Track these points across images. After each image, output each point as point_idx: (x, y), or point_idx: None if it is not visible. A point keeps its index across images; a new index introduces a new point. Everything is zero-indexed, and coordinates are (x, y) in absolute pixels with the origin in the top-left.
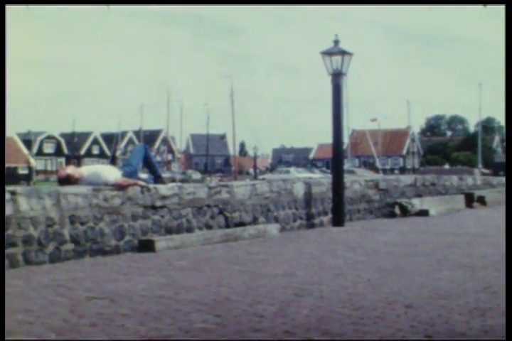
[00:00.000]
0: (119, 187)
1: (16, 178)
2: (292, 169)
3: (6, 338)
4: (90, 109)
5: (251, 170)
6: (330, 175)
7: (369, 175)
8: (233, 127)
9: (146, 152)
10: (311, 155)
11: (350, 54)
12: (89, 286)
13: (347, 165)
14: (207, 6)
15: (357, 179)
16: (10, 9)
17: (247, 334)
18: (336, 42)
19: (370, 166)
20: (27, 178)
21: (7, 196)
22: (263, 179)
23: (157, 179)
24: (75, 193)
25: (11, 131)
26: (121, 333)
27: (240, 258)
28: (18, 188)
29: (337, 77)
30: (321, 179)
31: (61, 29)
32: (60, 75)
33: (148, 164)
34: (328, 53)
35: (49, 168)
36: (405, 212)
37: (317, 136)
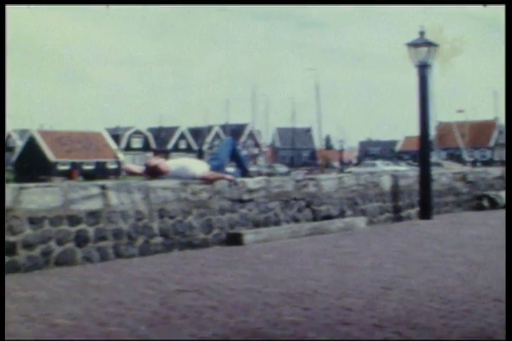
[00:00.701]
0: (207, 180)
1: (105, 173)
2: (378, 162)
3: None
4: (177, 104)
5: (335, 164)
6: (416, 168)
7: (456, 167)
8: (319, 120)
9: (233, 146)
10: (397, 148)
11: (435, 45)
12: (179, 279)
13: (434, 158)
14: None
15: (444, 171)
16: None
17: (336, 328)
18: (422, 33)
19: (457, 158)
20: (116, 173)
21: (97, 190)
22: (349, 172)
23: (244, 173)
24: (163, 187)
25: (99, 127)
26: (210, 325)
27: (328, 252)
28: (107, 182)
29: (423, 68)
30: (408, 172)
31: (146, 27)
32: (147, 71)
33: (235, 158)
34: (413, 45)
35: (137, 163)
36: (494, 204)
37: (403, 128)
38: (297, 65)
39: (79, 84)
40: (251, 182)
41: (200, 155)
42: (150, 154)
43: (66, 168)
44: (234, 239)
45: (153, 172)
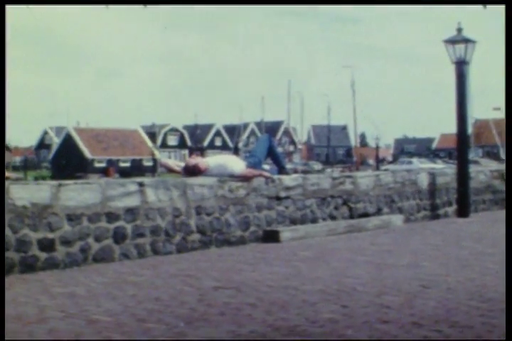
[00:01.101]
0: (245, 178)
1: (142, 170)
2: (415, 159)
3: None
4: (212, 101)
5: (370, 161)
6: (453, 166)
7: (493, 165)
8: (354, 118)
9: (270, 143)
10: (434, 146)
11: (473, 42)
12: (216, 276)
13: (471, 156)
14: None
15: (482, 169)
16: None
17: (375, 325)
18: (459, 30)
19: (494, 156)
20: (152, 170)
21: (135, 187)
22: (385, 170)
23: (281, 170)
24: (200, 184)
25: (135, 124)
26: (248, 322)
27: (365, 249)
28: (145, 180)
29: (460, 65)
30: (445, 169)
31: (181, 23)
32: (182, 68)
33: (272, 155)
34: (451, 41)
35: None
36: None
37: (439, 125)
38: (332, 62)
39: (114, 81)
40: (288, 180)
41: (235, 152)
42: (186, 151)
43: (102, 165)
44: (271, 237)
45: (193, 172)
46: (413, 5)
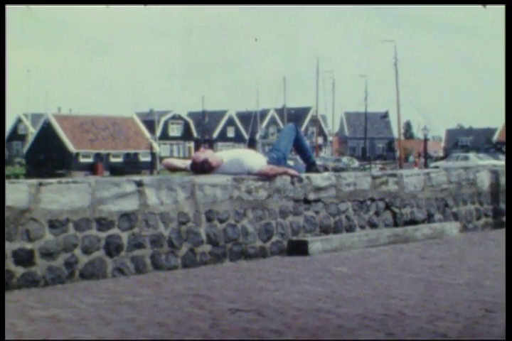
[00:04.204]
0: (265, 176)
1: (137, 167)
2: (472, 155)
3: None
4: (223, 84)
5: (411, 158)
6: None
7: None
8: (397, 103)
9: (297, 134)
10: (495, 138)
11: None
12: (232, 296)
13: None
14: None
15: None
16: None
17: None
18: None
19: None
20: (150, 167)
21: (132, 188)
22: (435, 167)
23: (310, 167)
24: (212, 184)
25: (129, 111)
26: None
27: (413, 264)
28: (145, 178)
29: None
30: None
31: None
32: (188, 44)
33: (299, 149)
34: None
35: (175, 155)
36: None
37: (502, 113)
38: (370, 36)
39: (104, 58)
40: (318, 179)
41: (251, 144)
42: (191, 144)
43: (89, 160)
44: (297, 248)
45: (202, 169)
46: (412, 5)
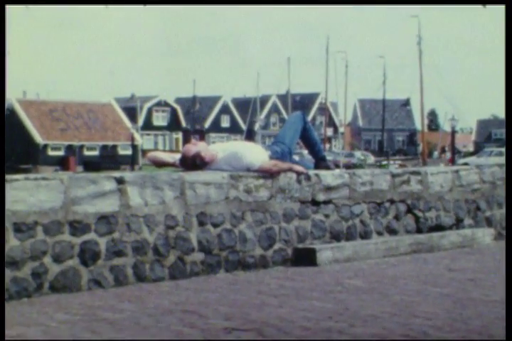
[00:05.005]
0: (267, 173)
1: (116, 161)
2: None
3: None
4: (217, 65)
5: (435, 154)
6: None
7: None
8: (421, 89)
9: (305, 124)
10: None
11: None
12: (228, 313)
13: None
14: None
15: None
16: None
17: None
18: None
19: None
20: (130, 161)
21: (112, 185)
22: (465, 164)
23: (319, 162)
24: (205, 182)
25: (107, 95)
26: None
27: (439, 277)
28: (127, 175)
29: None
30: None
31: None
32: (175, 17)
33: (307, 141)
34: None
35: (160, 147)
36: None
37: None
38: (389, 11)
39: (76, 34)
40: (329, 177)
41: (248, 136)
42: (179, 135)
43: (59, 153)
44: (304, 257)
45: (193, 164)
46: (411, 5)
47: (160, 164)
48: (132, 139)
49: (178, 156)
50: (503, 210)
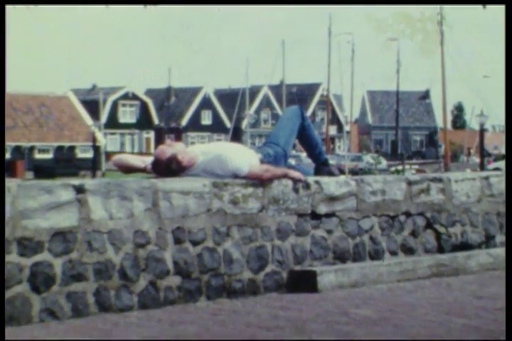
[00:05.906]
0: (258, 180)
1: (74, 166)
2: None
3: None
4: (197, 50)
5: (461, 157)
6: None
7: None
8: (443, 79)
9: (303, 121)
10: None
11: None
12: None
13: None
14: None
15: None
16: None
17: None
18: None
19: None
20: (91, 166)
21: (70, 195)
22: (496, 169)
23: (320, 167)
24: (182, 191)
25: (63, 87)
26: None
27: (465, 306)
28: (88, 182)
29: None
30: None
31: None
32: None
33: (306, 142)
34: None
35: (128, 149)
36: None
37: None
38: None
39: (28, 12)
40: (332, 185)
41: (235, 136)
42: (151, 134)
43: (5, 156)
44: (302, 282)
45: (168, 169)
46: (411, 5)
47: (128, 169)
48: (93, 139)
49: (149, 160)
50: None
